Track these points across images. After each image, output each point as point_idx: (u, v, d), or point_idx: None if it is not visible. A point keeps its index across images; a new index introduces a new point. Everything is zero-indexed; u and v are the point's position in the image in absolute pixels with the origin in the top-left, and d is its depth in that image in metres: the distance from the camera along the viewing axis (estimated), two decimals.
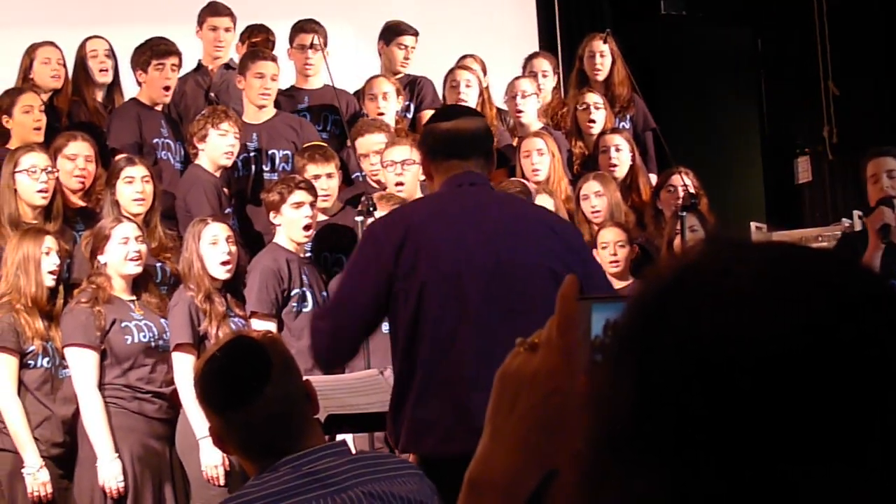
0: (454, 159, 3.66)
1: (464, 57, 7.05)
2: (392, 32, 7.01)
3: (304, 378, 2.43)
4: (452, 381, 3.47)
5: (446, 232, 3.56)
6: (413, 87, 6.94)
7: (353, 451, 2.40)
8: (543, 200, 5.94)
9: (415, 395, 3.51)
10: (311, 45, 6.57)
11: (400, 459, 2.83)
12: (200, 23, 6.76)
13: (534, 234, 3.61)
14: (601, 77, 7.00)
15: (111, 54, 6.49)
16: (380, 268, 3.52)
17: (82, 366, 5.04)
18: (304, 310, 5.34)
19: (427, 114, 6.77)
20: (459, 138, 3.69)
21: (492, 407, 1.08)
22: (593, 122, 6.72)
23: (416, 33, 7.00)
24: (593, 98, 6.76)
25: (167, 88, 6.24)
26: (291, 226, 5.44)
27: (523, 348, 1.09)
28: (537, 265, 3.54)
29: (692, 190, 5.88)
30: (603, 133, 6.59)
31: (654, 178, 6.59)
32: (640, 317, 0.84)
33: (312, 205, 5.48)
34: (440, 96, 6.87)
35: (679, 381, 0.80)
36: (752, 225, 6.87)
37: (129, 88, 6.51)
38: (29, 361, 5.05)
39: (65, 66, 6.39)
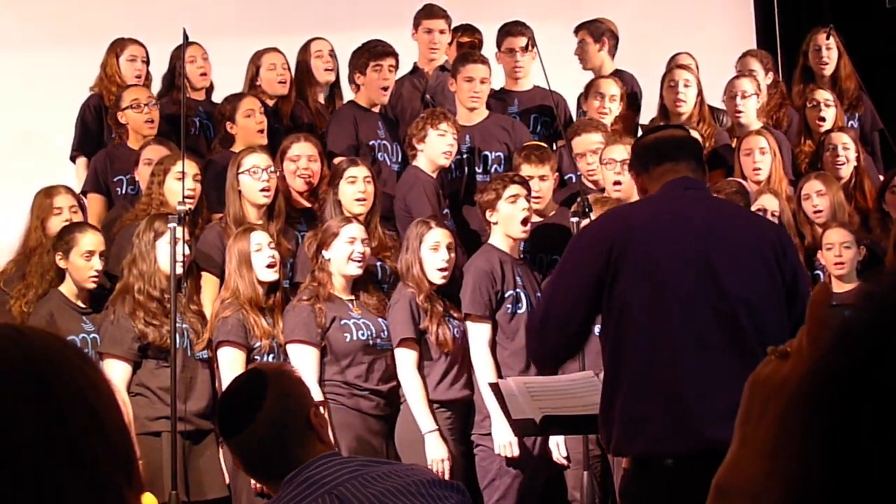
0: (667, 163, 3.66)
1: (676, 55, 6.94)
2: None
3: (318, 408, 2.62)
4: (666, 380, 3.45)
5: (656, 235, 3.57)
6: None
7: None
8: (768, 201, 5.82)
9: (625, 394, 3.50)
10: (525, 48, 6.58)
11: (392, 461, 3.16)
12: (416, 25, 6.85)
13: (743, 240, 3.60)
14: (827, 72, 6.82)
15: (334, 55, 6.65)
16: (590, 268, 3.54)
17: (303, 362, 5.17)
18: (519, 311, 5.36)
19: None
20: (668, 142, 3.73)
21: (742, 413, 1.07)
22: (823, 119, 6.56)
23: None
24: (823, 95, 6.60)
25: (385, 89, 6.33)
26: (509, 221, 5.44)
27: (775, 356, 1.07)
28: (744, 270, 3.53)
29: None
30: (829, 131, 6.43)
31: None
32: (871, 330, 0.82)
33: (527, 198, 5.48)
34: (658, 95, 6.76)
35: None
36: None
37: (348, 94, 6.65)
38: (255, 357, 5.22)
39: (289, 70, 6.57)
